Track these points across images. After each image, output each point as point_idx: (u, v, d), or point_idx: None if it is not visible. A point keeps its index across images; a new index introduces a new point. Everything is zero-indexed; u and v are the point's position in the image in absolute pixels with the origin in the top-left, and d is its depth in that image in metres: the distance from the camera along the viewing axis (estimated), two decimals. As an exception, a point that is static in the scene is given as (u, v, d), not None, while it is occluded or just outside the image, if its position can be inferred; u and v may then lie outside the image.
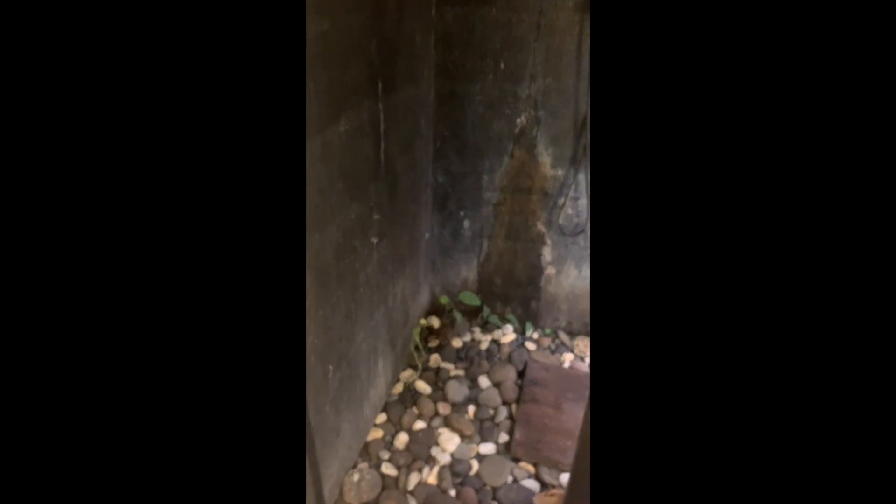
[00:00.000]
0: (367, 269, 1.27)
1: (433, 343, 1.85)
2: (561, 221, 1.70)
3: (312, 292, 1.00)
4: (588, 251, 1.74)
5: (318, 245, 1.00)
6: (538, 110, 1.56)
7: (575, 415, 1.52)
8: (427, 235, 1.82)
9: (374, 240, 1.29)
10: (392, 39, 1.23)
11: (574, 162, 1.60)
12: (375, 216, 1.27)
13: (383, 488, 1.31)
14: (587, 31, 1.40)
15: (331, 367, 1.12)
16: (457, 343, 1.86)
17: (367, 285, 1.28)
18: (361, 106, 1.10)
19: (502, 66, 1.52)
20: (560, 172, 1.63)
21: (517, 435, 1.45)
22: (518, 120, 1.59)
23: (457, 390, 1.63)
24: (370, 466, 1.37)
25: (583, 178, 1.60)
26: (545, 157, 1.62)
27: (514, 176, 1.68)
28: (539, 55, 1.47)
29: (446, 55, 1.54)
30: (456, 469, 1.37)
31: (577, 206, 1.67)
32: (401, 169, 1.41)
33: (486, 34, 1.48)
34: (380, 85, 1.19)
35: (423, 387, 1.65)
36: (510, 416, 1.56)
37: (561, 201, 1.67)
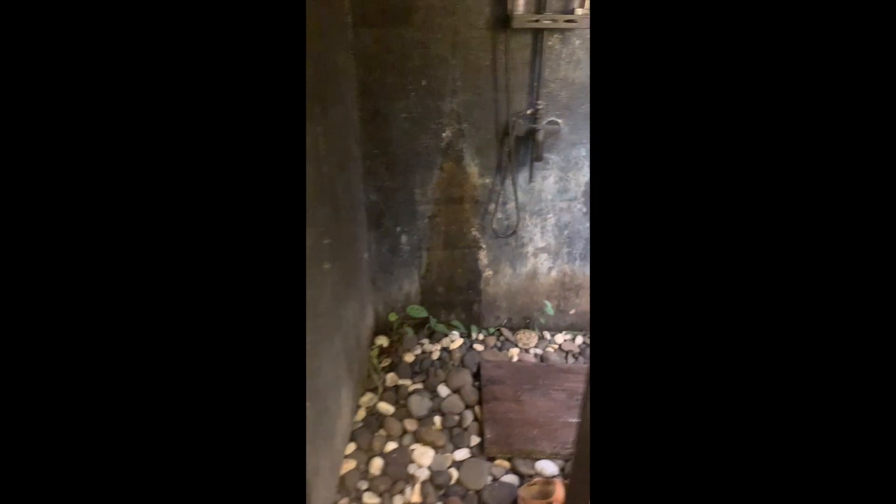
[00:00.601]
0: (324, 296, 1.23)
1: (385, 362, 1.83)
2: (494, 226, 1.80)
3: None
4: (520, 250, 1.86)
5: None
6: (462, 123, 1.64)
7: (534, 404, 1.61)
8: (365, 255, 1.80)
9: (327, 265, 1.25)
10: (322, 62, 1.21)
11: (500, 169, 1.71)
12: (325, 241, 1.24)
13: (369, 519, 1.27)
14: (500, 46, 1.51)
15: (308, 404, 1.07)
16: (409, 358, 1.86)
17: (325, 314, 1.24)
18: (308, 132, 1.07)
19: (424, 83, 1.57)
20: (488, 180, 1.73)
21: (488, 434, 1.50)
22: (444, 134, 1.65)
23: (419, 404, 1.63)
24: (351, 501, 1.32)
25: (509, 184, 1.71)
26: (473, 168, 1.71)
27: (445, 187, 1.74)
28: (457, 71, 1.56)
29: (367, 75, 1.55)
30: (437, 482, 1.37)
31: (505, 210, 1.78)
32: (340, 190, 1.39)
33: (405, 53, 1.53)
34: (317, 107, 1.17)
35: (385, 408, 1.62)
36: (476, 419, 1.60)
37: (492, 207, 1.77)
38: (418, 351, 1.91)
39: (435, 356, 1.88)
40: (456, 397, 1.67)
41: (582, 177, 1.72)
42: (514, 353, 1.91)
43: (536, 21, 1.40)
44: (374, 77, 1.56)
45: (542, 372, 1.77)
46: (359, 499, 1.32)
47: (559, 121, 1.62)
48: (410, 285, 1.94)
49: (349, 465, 1.42)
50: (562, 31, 1.48)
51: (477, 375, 1.77)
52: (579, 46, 1.51)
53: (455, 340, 1.96)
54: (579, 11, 1.38)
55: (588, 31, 1.48)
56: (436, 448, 1.48)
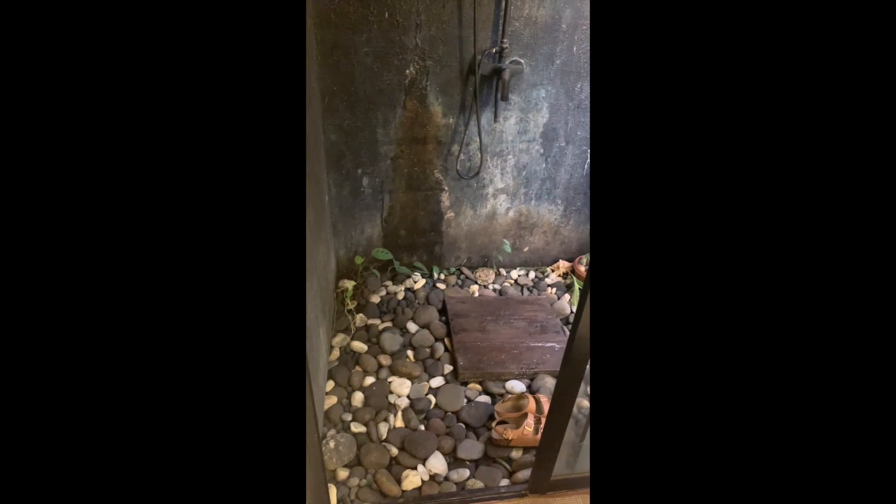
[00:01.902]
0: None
1: (352, 304, 1.85)
2: (457, 167, 1.83)
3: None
4: (481, 192, 1.92)
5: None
6: (426, 60, 1.60)
7: (498, 332, 1.75)
8: (326, 198, 1.76)
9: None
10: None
11: (463, 109, 1.72)
12: (301, 181, 1.20)
13: (359, 445, 1.35)
14: (466, -20, 1.47)
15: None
16: (375, 299, 1.90)
17: (307, 257, 1.22)
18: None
19: (387, 15, 1.50)
20: (451, 120, 1.74)
21: (460, 361, 1.61)
22: (407, 70, 1.61)
23: (391, 340, 1.70)
24: (339, 431, 1.38)
25: (473, 124, 1.73)
26: (436, 107, 1.70)
27: (409, 127, 1.72)
28: (422, 3, 1.50)
29: (327, 3, 1.45)
30: (417, 407, 1.47)
31: (468, 151, 1.81)
32: (308, 128, 1.33)
33: (367, -20, 1.44)
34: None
35: (359, 346, 1.67)
36: (447, 349, 1.71)
37: (455, 148, 1.79)
38: (383, 292, 1.95)
39: (400, 296, 1.94)
40: (425, 332, 1.76)
41: (541, 118, 1.78)
42: (475, 289, 2.02)
43: (506, -47, 1.38)
44: (334, 5, 1.46)
45: (502, 304, 1.90)
46: (347, 429, 1.39)
47: (522, 60, 1.64)
48: (373, 229, 1.94)
49: (331, 401, 1.47)
50: (528, -35, 1.47)
51: (443, 311, 1.87)
52: (544, -16, 1.51)
53: (418, 281, 2.02)
54: (547, -54, 1.38)
55: (553, -33, 1.48)
56: (412, 378, 1.57)
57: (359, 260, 1.90)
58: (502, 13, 1.53)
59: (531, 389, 1.56)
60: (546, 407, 1.36)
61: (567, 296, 2.00)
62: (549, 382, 1.56)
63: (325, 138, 1.68)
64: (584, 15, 1.59)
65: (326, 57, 1.53)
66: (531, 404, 1.37)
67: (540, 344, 1.71)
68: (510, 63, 1.62)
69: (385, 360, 1.63)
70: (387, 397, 1.50)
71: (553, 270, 2.14)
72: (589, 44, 1.65)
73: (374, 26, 1.51)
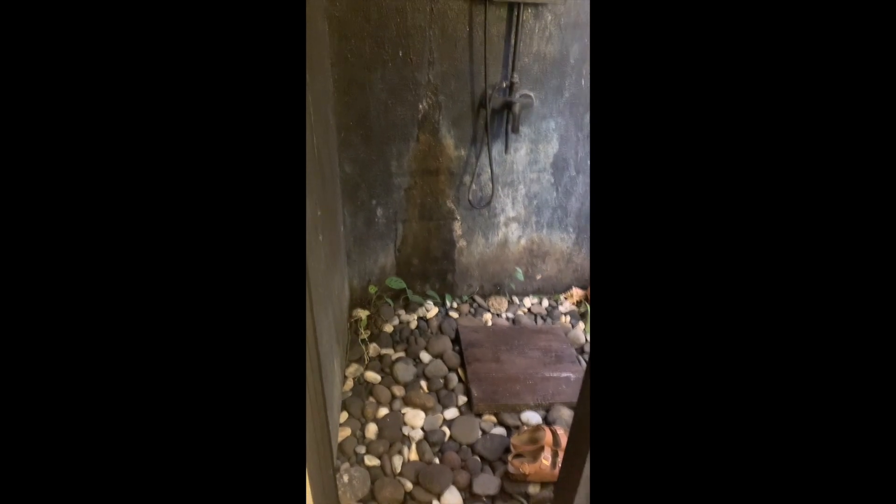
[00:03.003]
0: (320, 268, 1.23)
1: (366, 333, 1.86)
2: (469, 197, 1.86)
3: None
4: (492, 220, 1.94)
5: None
6: (438, 95, 1.66)
7: (513, 362, 1.73)
8: (341, 228, 1.79)
9: (321, 237, 1.25)
10: (309, 27, 1.18)
11: (475, 141, 1.76)
12: (318, 212, 1.23)
13: (373, 479, 1.32)
14: (476, 19, 1.54)
15: (312, 377, 1.08)
16: (388, 328, 1.90)
17: (323, 286, 1.24)
18: (301, 99, 1.05)
19: (401, 53, 1.57)
20: (463, 152, 1.78)
21: (475, 393, 1.59)
22: (420, 105, 1.67)
23: (404, 371, 1.68)
24: (352, 464, 1.36)
25: (484, 156, 1.77)
26: (449, 139, 1.74)
27: (421, 159, 1.76)
28: (434, 42, 1.57)
29: (343, 43, 1.52)
30: (432, 439, 1.45)
31: (480, 181, 1.84)
32: (325, 160, 1.37)
33: (382, 22, 1.51)
34: (307, 76, 1.14)
35: (372, 376, 1.66)
36: (461, 380, 1.69)
37: (467, 178, 1.82)
38: (396, 321, 1.95)
39: (413, 325, 1.93)
40: (439, 362, 1.74)
41: (551, 149, 1.82)
42: (488, 317, 2.01)
43: (515, -6, 1.44)
44: (350, 45, 1.53)
45: (516, 333, 1.88)
46: (360, 462, 1.37)
47: (531, 94, 1.69)
48: (386, 258, 1.96)
49: (345, 433, 1.45)
50: (536, 5, 1.53)
51: (456, 340, 1.85)
52: (551, 22, 1.57)
53: (431, 310, 2.02)
54: (554, -13, 1.44)
55: (560, 5, 1.54)
56: (426, 410, 1.55)
57: (372, 289, 1.91)
58: (512, 50, 1.59)
59: (547, 421, 1.53)
60: (563, 440, 1.33)
61: (581, 324, 1.98)
62: (566, 414, 1.53)
63: (341, 171, 1.73)
64: (592, 50, 1.64)
65: (343, 94, 1.60)
66: (548, 437, 1.34)
67: (555, 374, 1.68)
68: (520, 97, 1.67)
69: (398, 390, 1.62)
70: (401, 429, 1.48)
71: (567, 298, 2.12)
72: (597, 77, 1.69)
73: (388, 64, 1.58)
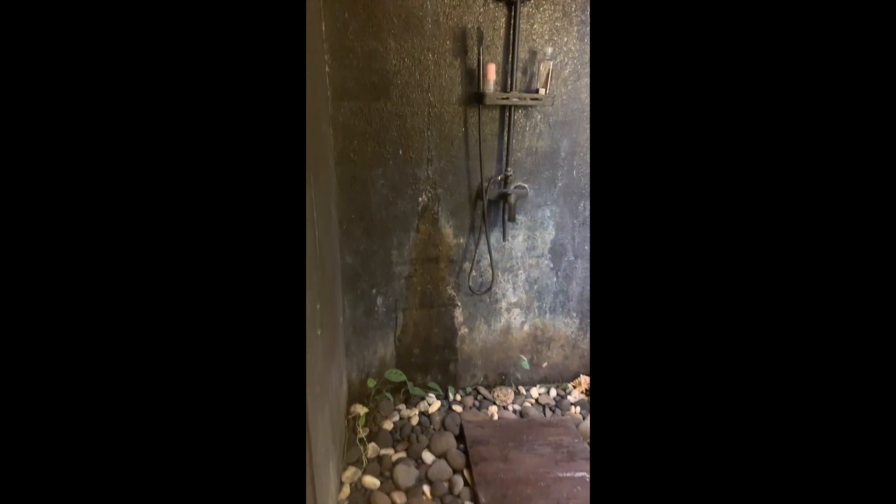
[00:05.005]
0: (317, 365, 1.19)
1: (363, 432, 1.74)
2: (469, 283, 1.86)
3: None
4: (494, 306, 1.92)
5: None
6: (437, 188, 1.73)
7: (522, 461, 1.60)
8: (341, 319, 1.76)
9: (319, 331, 1.22)
10: (312, 132, 1.26)
11: (473, 229, 1.80)
12: (318, 305, 1.22)
13: None
14: (471, 119, 1.65)
15: (308, 487, 0.99)
16: (388, 425, 1.79)
17: (320, 383, 1.19)
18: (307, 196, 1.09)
19: (401, 152, 1.66)
20: (462, 240, 1.81)
21: (483, 499, 1.45)
22: (420, 198, 1.73)
23: (406, 474, 1.55)
24: (346, 592, 1.19)
25: (483, 243, 1.80)
26: (448, 228, 1.79)
27: (422, 248, 1.79)
28: (433, 141, 1.67)
29: (346, 144, 1.62)
30: (436, 557, 1.29)
31: (479, 267, 1.86)
32: (326, 253, 1.39)
33: (383, 125, 1.62)
34: (310, 173, 1.19)
35: (371, 482, 1.53)
36: (466, 483, 1.55)
37: (466, 265, 1.84)
38: (396, 417, 1.84)
39: (414, 421, 1.82)
40: (442, 462, 1.61)
41: (548, 235, 1.85)
42: (494, 410, 1.90)
43: (506, 99, 1.56)
44: (353, 146, 1.62)
45: (524, 427, 1.77)
46: (355, 589, 1.20)
47: (525, 185, 1.77)
48: (385, 348, 1.91)
49: (339, 552, 1.30)
50: (526, 107, 1.66)
51: (460, 437, 1.74)
52: (541, 120, 1.69)
53: (433, 403, 1.92)
54: (542, 91, 1.57)
55: (549, 106, 1.67)
56: (429, 520, 1.41)
57: (371, 383, 1.83)
58: (505, 146, 1.69)
59: (565, 531, 1.38)
60: (584, 555, 1.18)
61: (593, 415, 1.87)
62: (585, 522, 1.38)
63: (342, 261, 1.74)
64: (580, 143, 1.75)
65: (346, 189, 1.67)
66: (567, 552, 1.20)
67: (569, 474, 1.55)
68: (515, 188, 1.74)
69: (399, 497, 1.48)
70: (401, 545, 1.33)
71: (575, 387, 2.03)
72: (588, 168, 1.78)
73: (389, 162, 1.66)
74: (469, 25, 1.54)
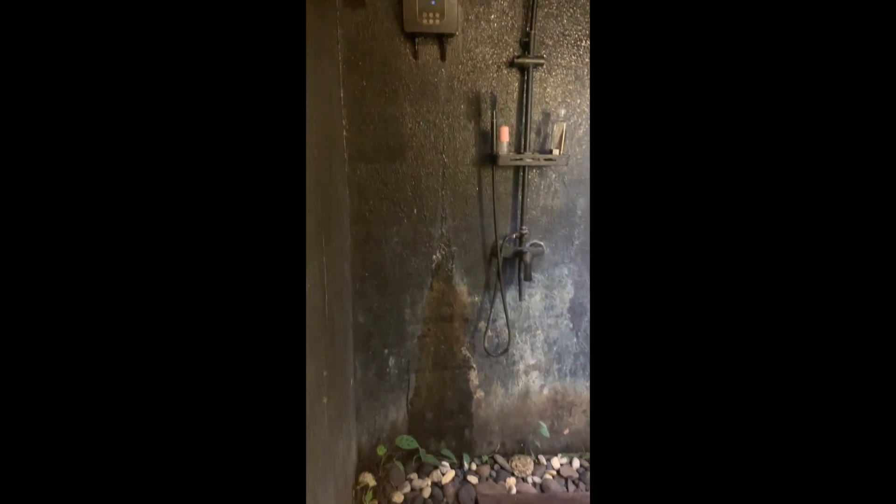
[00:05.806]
0: (322, 436, 1.13)
1: (372, 505, 1.63)
2: (485, 344, 1.79)
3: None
4: (511, 368, 1.84)
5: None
6: (451, 246, 1.71)
7: (544, 546, 1.46)
8: (351, 381, 1.70)
9: (325, 399, 1.17)
10: (327, 195, 1.27)
11: (488, 288, 1.76)
12: (325, 372, 1.17)
13: None
14: (485, 179, 1.66)
15: (306, 575, 0.91)
16: (398, 498, 1.67)
17: (324, 456, 1.12)
18: (315, 262, 1.08)
19: (415, 211, 1.67)
20: (477, 299, 1.76)
21: (499, 591, 1.31)
22: (434, 256, 1.71)
23: (416, 557, 1.42)
24: None
25: (498, 302, 1.75)
26: (462, 286, 1.75)
27: (435, 306, 1.75)
28: (447, 200, 1.67)
29: (362, 204, 1.63)
30: None
31: (495, 327, 1.79)
32: (336, 316, 1.36)
33: (398, 185, 1.64)
34: (323, 237, 1.19)
35: (377, 565, 1.40)
36: (482, 570, 1.41)
37: (482, 325, 1.78)
38: (407, 488, 1.73)
39: (426, 493, 1.70)
40: (456, 544, 1.48)
41: (566, 294, 1.79)
42: (512, 483, 1.77)
43: (520, 159, 1.57)
44: (369, 206, 1.64)
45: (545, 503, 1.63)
46: None
47: (542, 243, 1.73)
48: (397, 412, 1.82)
49: None
50: (540, 167, 1.66)
51: (476, 514, 1.60)
52: (556, 179, 1.69)
53: (446, 473, 1.80)
54: (556, 151, 1.57)
55: (563, 166, 1.66)
56: None
57: (381, 450, 1.74)
58: (519, 204, 1.68)
59: None
60: None
61: (620, 491, 1.72)
62: None
63: (354, 320, 1.71)
64: (597, 202, 1.72)
65: (360, 247, 1.66)
66: None
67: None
68: (530, 246, 1.71)
69: (407, 585, 1.35)
70: None
71: (599, 457, 1.88)
72: (605, 226, 1.74)
73: (403, 221, 1.67)
74: (483, 90, 1.58)
